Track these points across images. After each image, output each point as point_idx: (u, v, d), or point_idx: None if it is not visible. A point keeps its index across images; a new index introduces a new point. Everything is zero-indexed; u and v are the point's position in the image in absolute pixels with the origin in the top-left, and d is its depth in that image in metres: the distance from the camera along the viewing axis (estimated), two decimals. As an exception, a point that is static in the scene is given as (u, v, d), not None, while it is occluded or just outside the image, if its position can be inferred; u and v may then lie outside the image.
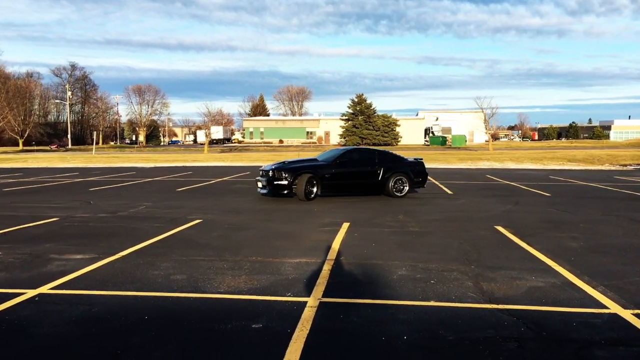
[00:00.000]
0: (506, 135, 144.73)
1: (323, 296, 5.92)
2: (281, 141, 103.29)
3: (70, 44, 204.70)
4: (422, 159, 16.59)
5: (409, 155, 17.84)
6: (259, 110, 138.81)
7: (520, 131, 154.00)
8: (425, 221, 11.16)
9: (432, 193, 17.06)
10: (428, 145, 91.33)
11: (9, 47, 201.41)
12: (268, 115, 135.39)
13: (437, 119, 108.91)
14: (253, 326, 4.99)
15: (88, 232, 9.97)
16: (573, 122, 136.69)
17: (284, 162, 15.61)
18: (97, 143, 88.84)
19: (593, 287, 6.22)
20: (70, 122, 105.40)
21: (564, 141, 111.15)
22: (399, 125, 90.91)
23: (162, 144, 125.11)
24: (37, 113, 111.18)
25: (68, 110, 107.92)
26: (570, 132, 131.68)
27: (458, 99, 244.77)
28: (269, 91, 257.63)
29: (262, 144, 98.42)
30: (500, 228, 10.21)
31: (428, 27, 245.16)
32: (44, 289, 6.22)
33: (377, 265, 7.32)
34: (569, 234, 9.62)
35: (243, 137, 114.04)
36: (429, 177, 17.52)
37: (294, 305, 5.60)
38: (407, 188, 15.49)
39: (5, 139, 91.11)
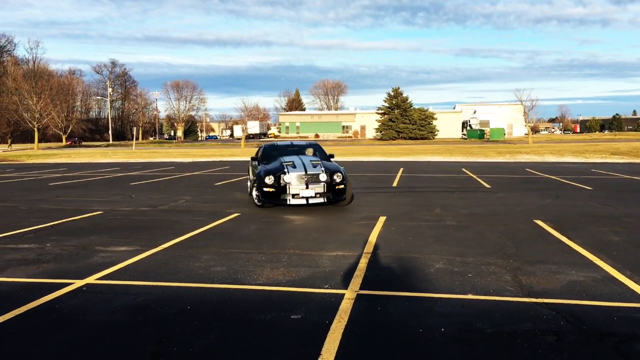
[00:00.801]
0: (546, 128, 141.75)
1: (360, 288, 5.98)
2: (317, 135, 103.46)
3: (111, 41, 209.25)
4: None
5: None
6: (294, 104, 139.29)
7: (561, 124, 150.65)
8: (463, 215, 11.09)
9: (470, 187, 16.90)
10: (465, 138, 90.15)
11: (53, 45, 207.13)
12: (304, 109, 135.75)
13: (474, 112, 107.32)
14: (292, 317, 5.09)
15: (131, 225, 10.26)
16: (617, 114, 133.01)
17: None
18: (137, 138, 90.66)
19: (635, 282, 6.11)
20: (111, 118, 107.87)
21: (607, 134, 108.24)
22: (435, 119, 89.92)
23: (199, 139, 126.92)
24: (80, 109, 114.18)
25: (109, 107, 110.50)
26: (613, 124, 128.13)
27: (496, 91, 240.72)
28: (304, 86, 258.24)
29: (298, 139, 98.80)
30: (539, 222, 10.08)
31: (466, 19, 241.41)
32: (91, 280, 6.46)
33: (414, 259, 7.34)
34: (610, 228, 9.44)
35: (279, 132, 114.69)
36: (466, 171, 17.19)
37: (332, 297, 5.68)
38: None
39: (49, 135, 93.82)
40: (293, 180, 11.62)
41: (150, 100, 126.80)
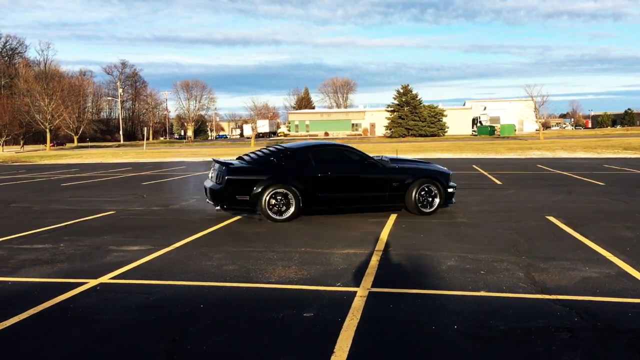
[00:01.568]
0: (558, 124, 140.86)
1: (372, 286, 5.98)
2: (327, 134, 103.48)
3: (121, 42, 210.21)
4: None
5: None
6: (304, 103, 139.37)
7: (572, 119, 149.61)
8: (474, 212, 11.05)
9: (481, 183, 16.83)
10: (476, 135, 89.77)
11: (63, 47, 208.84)
12: (313, 108, 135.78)
13: (484, 108, 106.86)
14: (304, 315, 5.10)
15: (143, 225, 10.32)
16: (629, 109, 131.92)
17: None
18: (148, 138, 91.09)
19: (650, 278, 6.07)
20: (121, 119, 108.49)
21: (619, 129, 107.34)
22: (445, 116, 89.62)
23: (209, 138, 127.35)
24: (91, 110, 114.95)
25: (119, 107, 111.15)
26: (625, 119, 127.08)
27: (507, 87, 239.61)
28: (314, 84, 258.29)
29: (308, 137, 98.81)
30: (551, 218, 10.02)
31: (476, 15, 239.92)
32: (105, 279, 6.51)
33: (426, 256, 7.32)
34: (623, 224, 9.36)
35: (289, 130, 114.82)
36: (477, 167, 17.09)
37: (344, 295, 5.68)
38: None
39: (61, 135, 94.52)
40: None
41: (161, 101, 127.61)
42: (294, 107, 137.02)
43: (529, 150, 38.16)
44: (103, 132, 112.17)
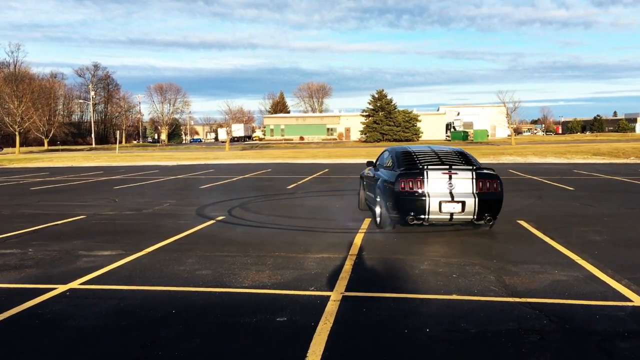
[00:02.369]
0: (529, 130, 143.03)
1: (346, 290, 5.99)
2: (302, 138, 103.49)
3: (94, 44, 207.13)
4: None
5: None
6: (279, 107, 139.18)
7: (543, 125, 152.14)
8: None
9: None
10: (450, 140, 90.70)
11: (35, 48, 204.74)
12: (288, 112, 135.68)
13: (458, 113, 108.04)
14: (278, 319, 5.09)
15: (114, 230, 10.18)
16: (598, 115, 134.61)
17: None
18: (120, 142, 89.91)
19: (617, 281, 6.20)
20: (93, 122, 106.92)
21: (588, 135, 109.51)
22: (419, 121, 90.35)
23: (183, 142, 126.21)
24: (62, 113, 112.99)
25: (91, 110, 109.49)
26: (594, 125, 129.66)
27: (480, 93, 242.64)
28: (289, 88, 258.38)
29: (283, 141, 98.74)
30: (522, 222, 10.17)
31: (451, 21, 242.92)
32: (75, 284, 6.40)
33: (399, 260, 7.37)
34: (592, 228, 9.56)
35: (264, 135, 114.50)
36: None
37: (318, 299, 5.69)
38: None
39: (30, 139, 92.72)
40: None
41: (134, 104, 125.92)
42: (269, 111, 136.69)
43: (501, 155, 38.70)
44: (74, 135, 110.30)
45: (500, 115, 75.07)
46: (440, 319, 5.06)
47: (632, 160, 31.66)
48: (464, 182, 8.90)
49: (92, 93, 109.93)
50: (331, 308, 5.38)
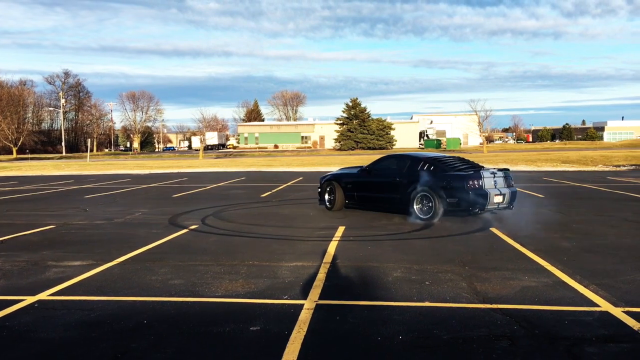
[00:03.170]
0: (500, 138, 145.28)
1: (320, 298, 6.00)
2: (276, 146, 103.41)
3: (65, 51, 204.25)
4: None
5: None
6: (253, 115, 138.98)
7: (514, 133, 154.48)
8: (420, 224, 11.24)
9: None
10: (423, 148, 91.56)
11: (3, 55, 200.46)
12: (263, 120, 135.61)
13: (431, 122, 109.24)
14: (251, 328, 5.07)
15: (85, 239, 10.02)
16: (567, 124, 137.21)
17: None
18: (92, 150, 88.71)
19: (585, 286, 6.32)
20: (64, 130, 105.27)
21: (557, 143, 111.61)
22: (393, 129, 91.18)
23: (156, 150, 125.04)
24: (31, 121, 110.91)
25: (62, 118, 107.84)
26: (564, 133, 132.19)
27: (453, 101, 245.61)
28: (264, 96, 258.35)
29: (258, 149, 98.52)
30: (494, 229, 10.31)
31: (424, 31, 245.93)
32: (43, 296, 6.28)
33: (373, 268, 7.40)
34: (561, 235, 9.73)
35: (238, 143, 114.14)
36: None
37: (291, 308, 5.68)
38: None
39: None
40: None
41: (105, 112, 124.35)
42: (243, 120, 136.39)
43: (473, 163, 39.18)
44: (44, 143, 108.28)
45: (472, 123, 76.14)
46: (413, 325, 5.10)
47: (599, 167, 32.37)
48: (501, 180, 11.84)
49: (63, 101, 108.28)
50: (305, 316, 5.37)
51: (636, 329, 4.91)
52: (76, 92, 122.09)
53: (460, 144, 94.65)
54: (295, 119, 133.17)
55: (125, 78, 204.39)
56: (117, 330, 5.09)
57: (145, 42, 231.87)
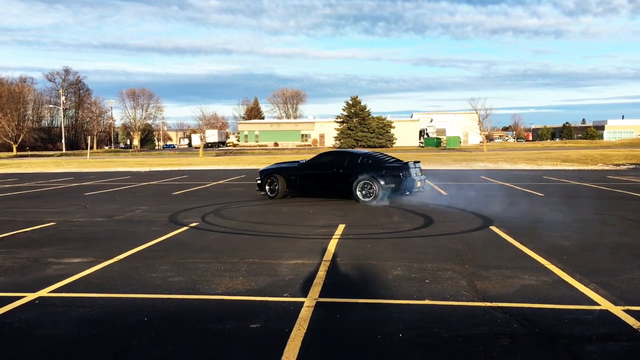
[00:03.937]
0: (500, 136, 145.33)
1: (320, 296, 6.00)
2: (276, 144, 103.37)
3: (66, 48, 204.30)
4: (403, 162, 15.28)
5: (405, 158, 17.99)
6: (253, 113, 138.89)
7: (514, 132, 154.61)
8: (420, 222, 11.26)
9: (428, 194, 17.15)
10: (423, 146, 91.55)
11: (4, 52, 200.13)
12: (263, 118, 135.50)
13: (431, 120, 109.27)
14: (251, 326, 5.08)
15: (85, 236, 10.03)
16: (567, 123, 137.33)
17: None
18: (92, 148, 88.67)
19: (585, 285, 6.33)
20: (64, 127, 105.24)
21: (557, 141, 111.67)
22: (393, 127, 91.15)
23: (156, 148, 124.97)
24: (31, 118, 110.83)
25: (62, 115, 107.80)
26: (564, 132, 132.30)
27: (454, 100, 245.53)
28: (264, 94, 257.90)
29: (257, 147, 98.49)
30: (494, 228, 10.32)
31: (425, 29, 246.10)
32: (44, 292, 6.29)
33: (373, 266, 7.41)
34: (561, 233, 9.74)
35: (238, 141, 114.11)
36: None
37: (291, 305, 5.68)
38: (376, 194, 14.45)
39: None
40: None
41: (105, 109, 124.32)
42: (243, 117, 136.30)
43: (473, 161, 39.21)
44: (44, 140, 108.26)
45: (472, 122, 76.09)
46: (413, 324, 5.10)
47: (600, 166, 32.37)
48: (419, 170, 15.36)
49: (63, 98, 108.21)
50: (305, 314, 5.38)
51: (636, 328, 4.92)
52: (76, 89, 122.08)
53: (460, 142, 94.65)
54: (295, 117, 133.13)
55: (125, 75, 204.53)
56: (118, 327, 5.10)
57: (145, 39, 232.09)
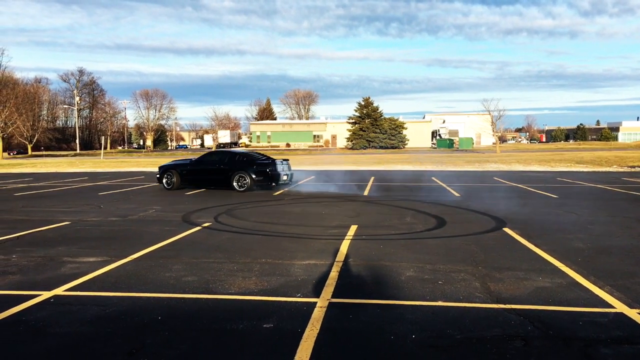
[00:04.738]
0: (513, 138, 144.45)
1: (332, 297, 6.01)
2: (288, 145, 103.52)
3: (80, 49, 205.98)
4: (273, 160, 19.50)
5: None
6: (265, 114, 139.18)
7: (527, 133, 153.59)
8: (433, 223, 11.23)
9: (440, 196, 17.11)
10: (435, 148, 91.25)
11: (20, 53, 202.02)
12: (275, 119, 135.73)
13: (444, 121, 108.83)
14: (264, 326, 5.10)
15: (99, 236, 10.11)
16: (581, 124, 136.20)
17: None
18: (105, 148, 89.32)
19: (599, 287, 6.28)
20: (78, 127, 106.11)
21: (571, 143, 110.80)
22: (405, 129, 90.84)
23: (169, 148, 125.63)
24: (46, 118, 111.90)
25: (76, 116, 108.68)
26: (578, 134, 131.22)
27: (466, 101, 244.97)
28: (277, 95, 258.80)
29: (270, 148, 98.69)
30: (507, 230, 10.27)
31: (439, 30, 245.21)
32: (59, 291, 6.36)
33: (385, 267, 7.40)
34: (575, 235, 9.67)
35: (250, 141, 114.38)
36: (436, 180, 17.68)
37: (304, 306, 5.70)
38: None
39: (14, 144, 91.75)
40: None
41: (119, 109, 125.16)
42: (255, 118, 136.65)
43: (486, 163, 39.01)
44: (59, 140, 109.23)
45: (485, 123, 75.79)
46: (426, 325, 5.10)
47: (614, 168, 32.07)
48: (287, 166, 19.43)
49: (77, 98, 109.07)
50: (318, 314, 5.39)
51: (652, 331, 4.88)
52: (90, 89, 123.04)
53: (473, 143, 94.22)
54: (307, 118, 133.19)
55: (139, 76, 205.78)
56: (132, 326, 5.14)
57: (160, 40, 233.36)
